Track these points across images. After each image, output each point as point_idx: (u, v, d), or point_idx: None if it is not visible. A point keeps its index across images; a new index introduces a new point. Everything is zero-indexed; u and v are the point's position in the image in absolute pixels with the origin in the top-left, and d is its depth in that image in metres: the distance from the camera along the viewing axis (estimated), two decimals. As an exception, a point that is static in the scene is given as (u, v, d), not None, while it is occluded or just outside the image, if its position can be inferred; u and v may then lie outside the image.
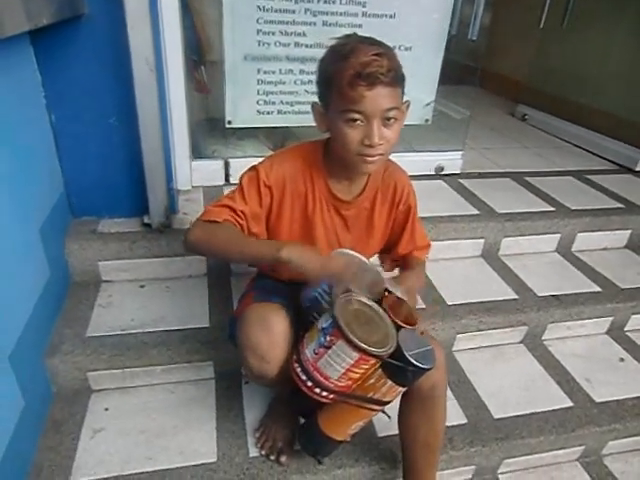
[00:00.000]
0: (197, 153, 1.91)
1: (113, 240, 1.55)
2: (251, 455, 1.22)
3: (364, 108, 0.91)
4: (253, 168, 1.07)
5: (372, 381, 0.96)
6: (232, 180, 1.93)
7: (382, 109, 0.92)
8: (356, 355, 0.88)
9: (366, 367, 0.91)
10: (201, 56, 2.02)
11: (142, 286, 1.60)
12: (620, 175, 2.52)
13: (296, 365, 0.96)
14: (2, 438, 1.02)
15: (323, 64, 0.97)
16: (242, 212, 1.03)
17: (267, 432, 1.25)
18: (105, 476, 1.14)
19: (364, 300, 0.96)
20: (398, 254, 1.22)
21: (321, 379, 0.93)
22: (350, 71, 0.89)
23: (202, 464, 1.19)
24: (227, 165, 1.92)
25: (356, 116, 0.92)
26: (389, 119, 0.94)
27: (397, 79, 0.93)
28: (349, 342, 0.86)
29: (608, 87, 2.74)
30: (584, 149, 2.82)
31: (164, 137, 1.49)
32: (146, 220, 1.59)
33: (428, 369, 0.93)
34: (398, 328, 0.95)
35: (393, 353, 0.91)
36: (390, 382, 0.94)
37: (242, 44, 1.74)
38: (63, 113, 1.43)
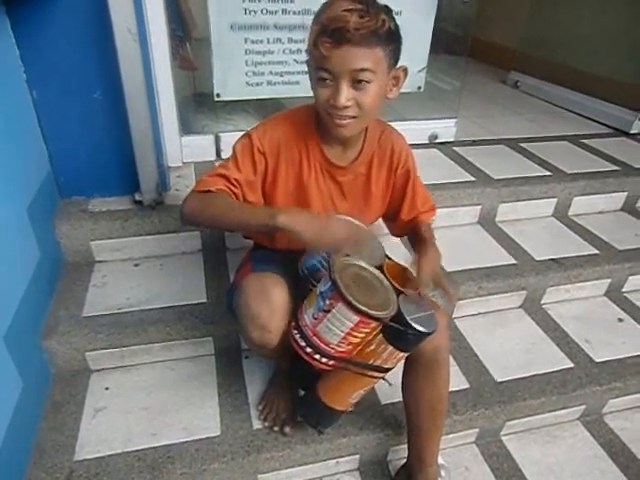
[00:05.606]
0: (187, 129, 1.86)
1: (104, 219, 1.52)
2: (255, 427, 1.22)
3: (330, 66, 0.87)
4: (246, 135, 1.03)
5: (373, 347, 0.94)
6: (223, 155, 1.89)
7: (349, 69, 0.87)
8: (356, 318, 0.86)
9: (366, 331, 0.90)
10: (186, 33, 1.95)
11: (136, 265, 1.58)
12: (614, 138, 2.50)
13: (295, 332, 0.95)
14: (2, 418, 1.01)
15: None
16: (236, 180, 1.00)
17: (270, 404, 1.25)
18: (109, 453, 1.14)
19: (364, 265, 0.94)
20: (402, 220, 1.19)
21: (321, 344, 0.92)
22: (317, 27, 0.86)
23: (206, 438, 1.18)
24: (218, 140, 1.88)
25: (324, 75, 0.89)
26: (360, 81, 0.89)
27: (373, 39, 0.85)
28: (349, 304, 0.84)
29: (601, 50, 2.69)
30: (578, 114, 2.79)
31: (152, 112, 1.45)
32: (137, 197, 1.56)
33: (429, 333, 0.91)
34: (399, 293, 0.94)
35: (394, 317, 0.89)
36: (391, 347, 0.93)
37: (228, 12, 1.68)
38: (45, 88, 1.38)
